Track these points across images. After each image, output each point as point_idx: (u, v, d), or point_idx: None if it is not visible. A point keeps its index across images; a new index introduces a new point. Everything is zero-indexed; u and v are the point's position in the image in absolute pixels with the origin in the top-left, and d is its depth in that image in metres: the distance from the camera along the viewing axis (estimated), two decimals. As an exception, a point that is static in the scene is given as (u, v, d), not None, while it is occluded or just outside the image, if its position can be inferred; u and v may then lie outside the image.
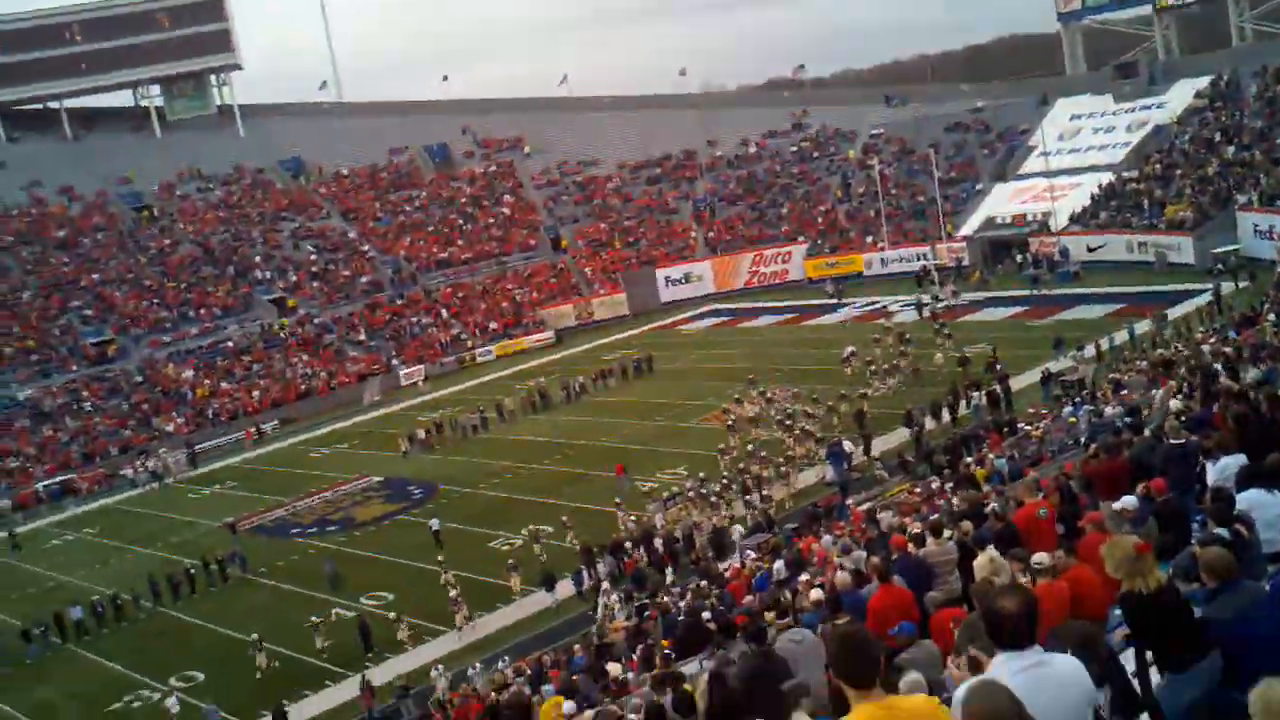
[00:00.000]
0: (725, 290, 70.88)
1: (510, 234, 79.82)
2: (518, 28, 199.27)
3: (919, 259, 62.62)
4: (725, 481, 34.79)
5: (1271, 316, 32.74)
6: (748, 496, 33.88)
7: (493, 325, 69.74)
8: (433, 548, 35.55)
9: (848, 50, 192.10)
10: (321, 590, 34.22)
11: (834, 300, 61.38)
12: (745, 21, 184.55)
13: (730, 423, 40.21)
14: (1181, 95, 66.34)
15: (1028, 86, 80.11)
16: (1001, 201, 65.51)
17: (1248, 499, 8.54)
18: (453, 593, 30.11)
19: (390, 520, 40.61)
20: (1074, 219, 59.48)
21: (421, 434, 50.50)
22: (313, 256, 77.58)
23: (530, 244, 78.92)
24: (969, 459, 30.92)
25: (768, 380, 45.66)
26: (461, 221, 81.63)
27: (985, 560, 9.09)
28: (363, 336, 69.49)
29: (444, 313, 71.54)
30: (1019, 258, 59.50)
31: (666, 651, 15.08)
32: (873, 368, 43.20)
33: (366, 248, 78.47)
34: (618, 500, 35.02)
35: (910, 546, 12.65)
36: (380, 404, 61.42)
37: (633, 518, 34.07)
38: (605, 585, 29.89)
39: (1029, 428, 33.01)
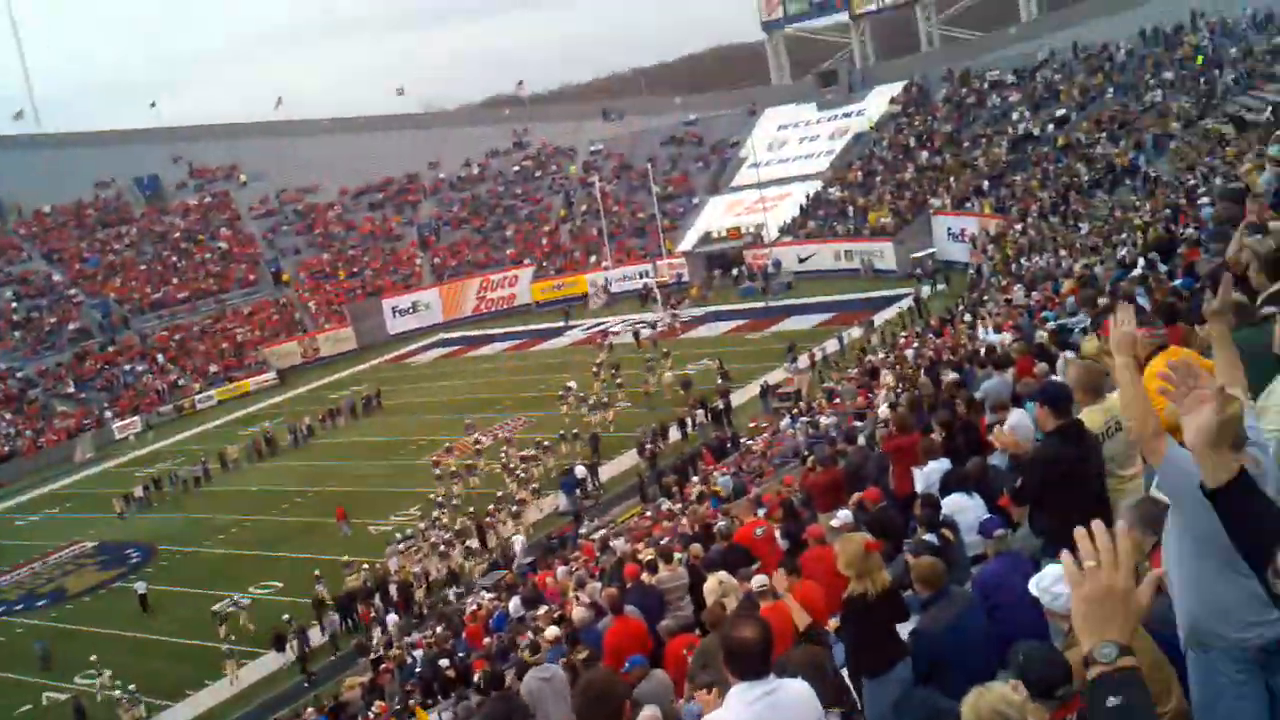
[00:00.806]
0: (454, 318, 70.18)
1: (229, 269, 76.69)
2: (229, 50, 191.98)
3: (640, 277, 63.65)
4: (456, 526, 34.33)
5: (967, 319, 34.81)
6: (482, 536, 33.61)
7: (213, 368, 66.76)
8: (145, 616, 33.79)
9: (567, 64, 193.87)
10: (31, 672, 32.02)
11: (564, 324, 61.68)
12: (462, 37, 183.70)
13: (438, 474, 39.16)
14: (878, 102, 69.83)
15: (737, 97, 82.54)
16: (717, 215, 67.30)
17: (951, 503, 9.01)
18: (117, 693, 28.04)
19: (105, 589, 38.30)
20: (784, 230, 61.64)
21: (139, 491, 47.81)
22: (13, 305, 72.49)
23: (250, 279, 76.04)
24: (695, 478, 31.61)
25: (496, 415, 45.38)
26: (176, 258, 77.66)
27: (714, 584, 9.30)
28: (71, 389, 65.28)
29: (160, 358, 67.93)
30: (735, 271, 61.18)
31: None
32: (590, 401, 42.82)
33: (73, 291, 73.81)
34: (346, 560, 33.84)
35: (643, 574, 12.76)
36: (93, 461, 57.88)
37: (364, 565, 33.17)
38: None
39: (751, 442, 34.10)
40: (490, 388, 51.44)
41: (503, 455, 38.98)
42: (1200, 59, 53.17)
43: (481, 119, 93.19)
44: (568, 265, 69.54)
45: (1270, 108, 43.30)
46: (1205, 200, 29.59)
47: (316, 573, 32.06)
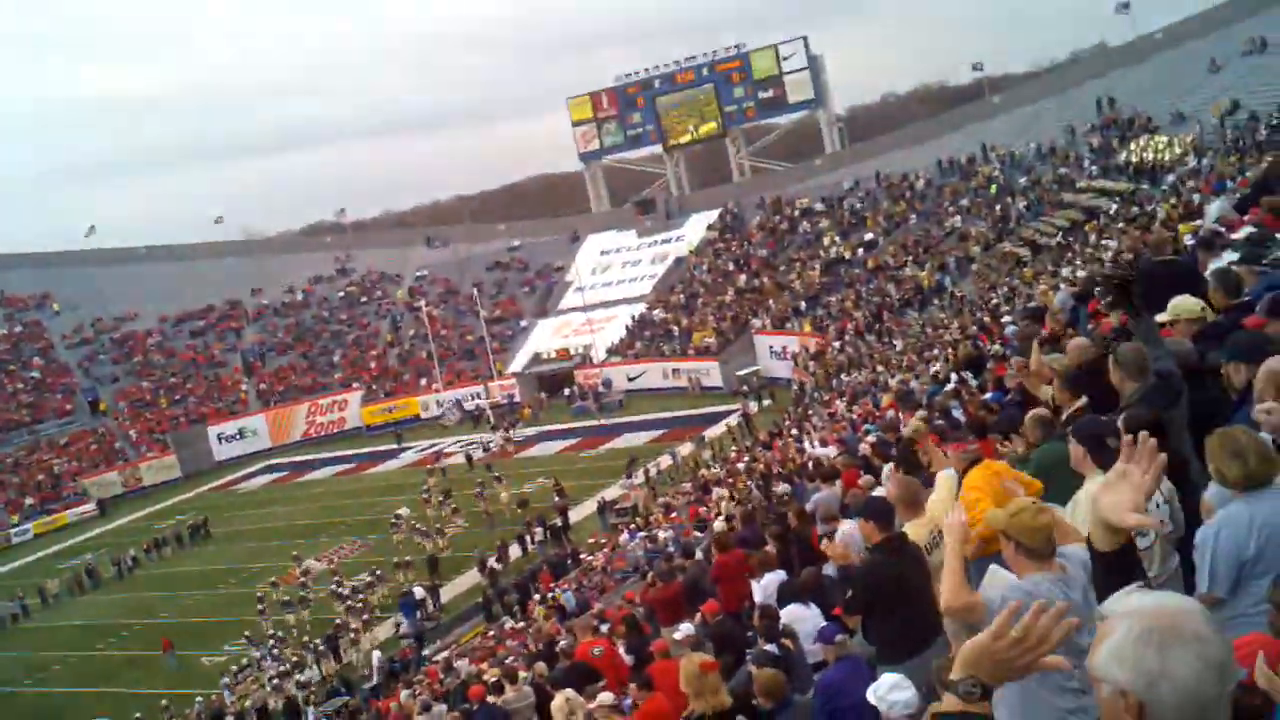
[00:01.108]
0: (283, 443, 69.38)
1: (42, 400, 74.28)
2: (38, 179, 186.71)
3: (473, 399, 64.34)
4: (292, 657, 33.91)
5: (794, 433, 36.50)
6: (319, 663, 33.36)
7: (29, 501, 64.36)
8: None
9: (387, 192, 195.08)
10: None
11: (396, 446, 61.69)
12: (280, 166, 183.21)
13: (261, 609, 38.13)
14: (696, 228, 72.72)
15: (560, 224, 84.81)
16: (545, 337, 68.69)
17: (789, 614, 9.40)
18: None
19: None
20: (612, 350, 63.30)
21: (-49, 632, 45.65)
22: None
23: (66, 409, 73.76)
24: (536, 596, 32.12)
25: (329, 540, 45.16)
26: (-15, 389, 75.12)
27: (561, 702, 9.67)
28: (-124, 529, 61.98)
29: (-30, 492, 65.29)
30: (566, 391, 62.43)
31: None
32: (422, 528, 42.69)
33: (-121, 426, 70.59)
34: (164, 704, 32.73)
35: (489, 695, 13.09)
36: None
37: (198, 697, 32.47)
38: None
39: (591, 558, 34.86)
40: (323, 512, 51.02)
41: (334, 584, 38.34)
42: (994, 188, 57.34)
43: (303, 246, 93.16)
44: (398, 388, 69.75)
45: (1060, 232, 47.23)
46: (1008, 318, 32.21)
47: (138, 715, 31.33)
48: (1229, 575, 4.45)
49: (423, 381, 68.69)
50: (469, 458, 52.95)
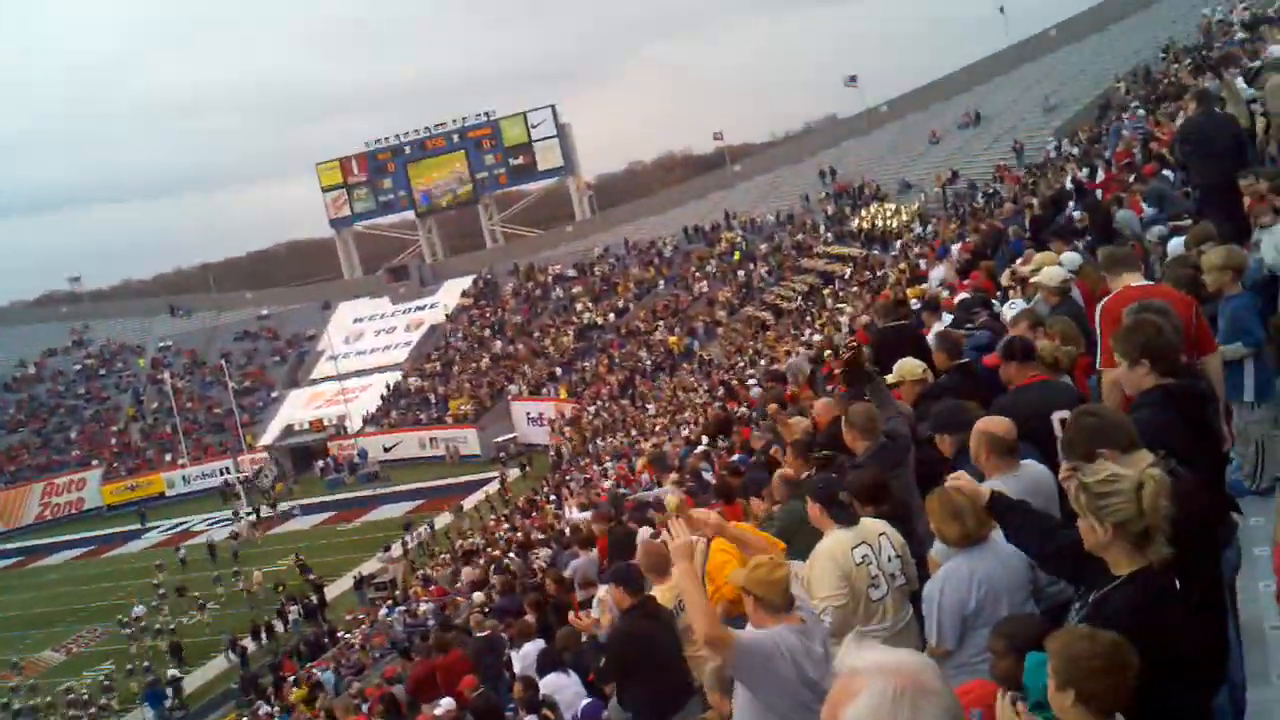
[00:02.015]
0: (15, 528, 64.96)
1: None
2: None
3: (221, 473, 62.23)
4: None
5: (552, 499, 37.00)
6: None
7: None
8: None
9: (126, 260, 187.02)
10: None
11: (140, 526, 58.90)
12: (6, 232, 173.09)
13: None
14: (450, 294, 72.80)
15: (311, 292, 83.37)
16: (298, 408, 67.14)
17: (549, 683, 9.42)
18: None
19: None
20: (368, 420, 62.48)
21: None
22: None
23: None
24: (292, 678, 31.39)
25: (65, 629, 42.88)
26: None
27: None
28: None
29: None
30: (320, 463, 61.23)
31: None
32: (157, 626, 40.72)
33: None
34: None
35: None
36: None
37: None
38: None
39: (348, 635, 34.27)
40: (59, 600, 48.33)
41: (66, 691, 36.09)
42: (737, 254, 59.64)
43: (35, 316, 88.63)
44: (140, 465, 66.66)
45: (799, 297, 49.54)
46: (753, 381, 33.56)
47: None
48: (954, 628, 4.80)
49: (167, 457, 65.96)
50: (211, 547, 49.65)
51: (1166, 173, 15.03)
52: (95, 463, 67.15)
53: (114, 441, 69.17)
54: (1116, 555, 3.67)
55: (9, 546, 62.25)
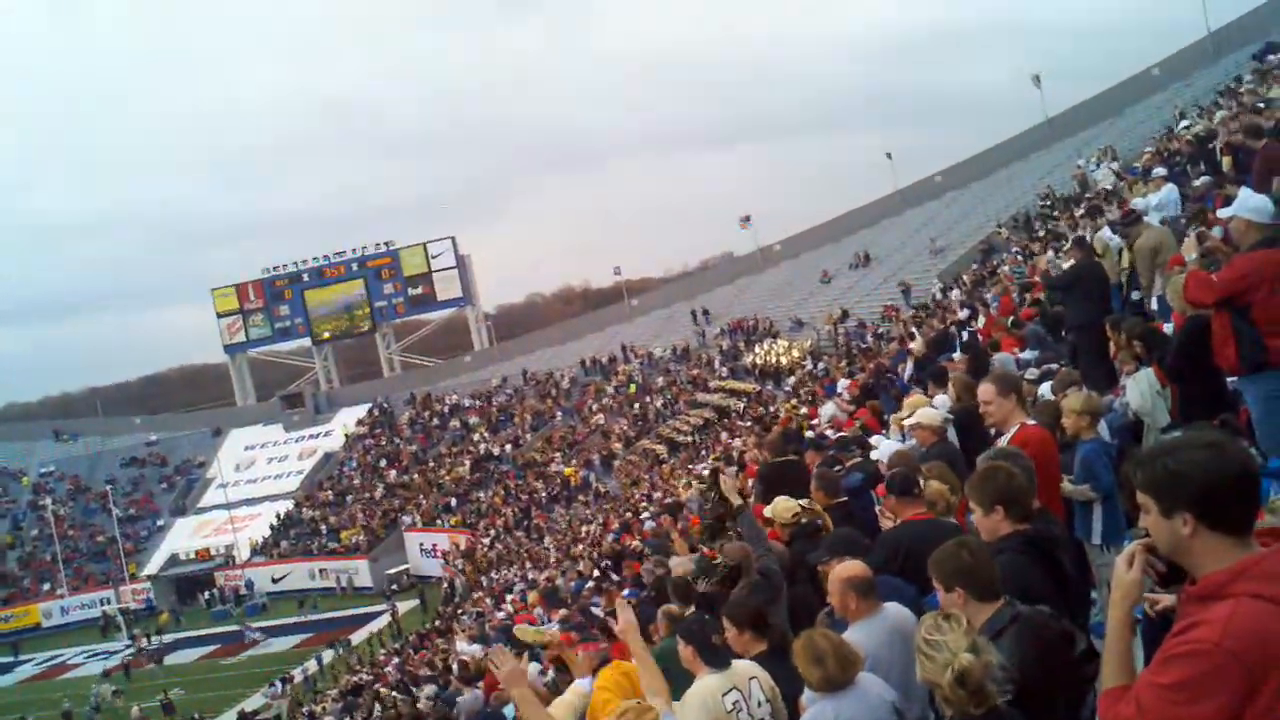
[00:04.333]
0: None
1: None
2: None
3: (101, 604, 60.37)
4: None
5: (444, 632, 36.64)
6: None
7: None
8: None
9: (9, 382, 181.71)
10: None
11: (13, 659, 56.62)
12: None
13: None
14: (345, 423, 72.28)
15: (202, 418, 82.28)
16: (184, 536, 65.57)
17: None
18: None
19: None
20: (257, 550, 61.29)
21: None
22: None
23: None
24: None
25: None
26: None
27: None
28: None
29: None
30: (206, 594, 59.74)
31: None
32: None
33: None
34: None
35: None
36: None
37: None
38: None
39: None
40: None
41: None
42: (633, 386, 60.33)
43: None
44: (16, 595, 64.27)
45: (694, 430, 50.21)
46: (647, 515, 33.82)
47: None
48: None
49: (45, 586, 63.80)
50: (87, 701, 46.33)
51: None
52: (-34, 592, 64.72)
53: (-11, 569, 66.84)
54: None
55: None
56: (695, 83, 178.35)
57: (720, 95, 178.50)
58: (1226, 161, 14.20)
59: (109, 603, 59.96)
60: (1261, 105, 16.88)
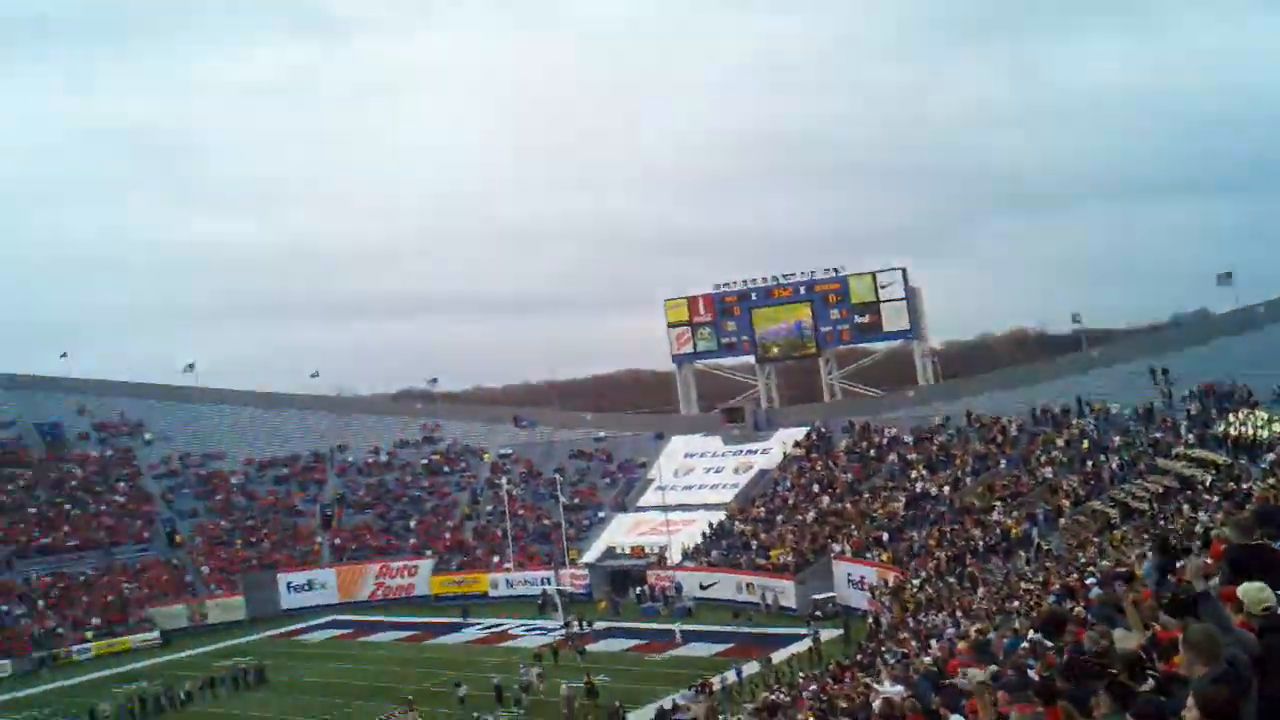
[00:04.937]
0: (349, 600, 69.71)
1: (122, 524, 75.83)
2: (145, 311, 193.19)
3: (542, 583, 64.43)
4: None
5: (866, 667, 36.14)
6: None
7: (95, 621, 65.11)
8: None
9: (479, 368, 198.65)
10: None
11: (461, 620, 61.53)
12: (376, 331, 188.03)
13: None
14: (784, 442, 73.16)
15: (647, 421, 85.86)
16: (622, 531, 68.96)
17: None
18: None
19: None
20: (688, 554, 63.31)
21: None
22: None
23: (144, 536, 75.06)
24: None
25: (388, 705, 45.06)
26: (70, 506, 76.71)
27: None
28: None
29: (40, 603, 66.22)
30: (636, 590, 62.36)
31: None
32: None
33: (-43, 525, 72.36)
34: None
35: None
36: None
37: None
38: None
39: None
40: (380, 676, 51.05)
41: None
42: (1086, 443, 57.26)
43: (393, 410, 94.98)
44: (469, 562, 70.08)
45: (1152, 498, 46.98)
46: (1092, 580, 32.07)
47: None
48: None
49: (494, 559, 69.00)
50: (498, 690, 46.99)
51: None
52: (429, 553, 71.19)
53: (448, 536, 73.14)
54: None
55: (344, 618, 66.56)
56: (1171, 126, 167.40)
57: (1200, 140, 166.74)
58: None
59: (549, 583, 63.82)
60: None
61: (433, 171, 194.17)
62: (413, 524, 75.36)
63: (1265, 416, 49.08)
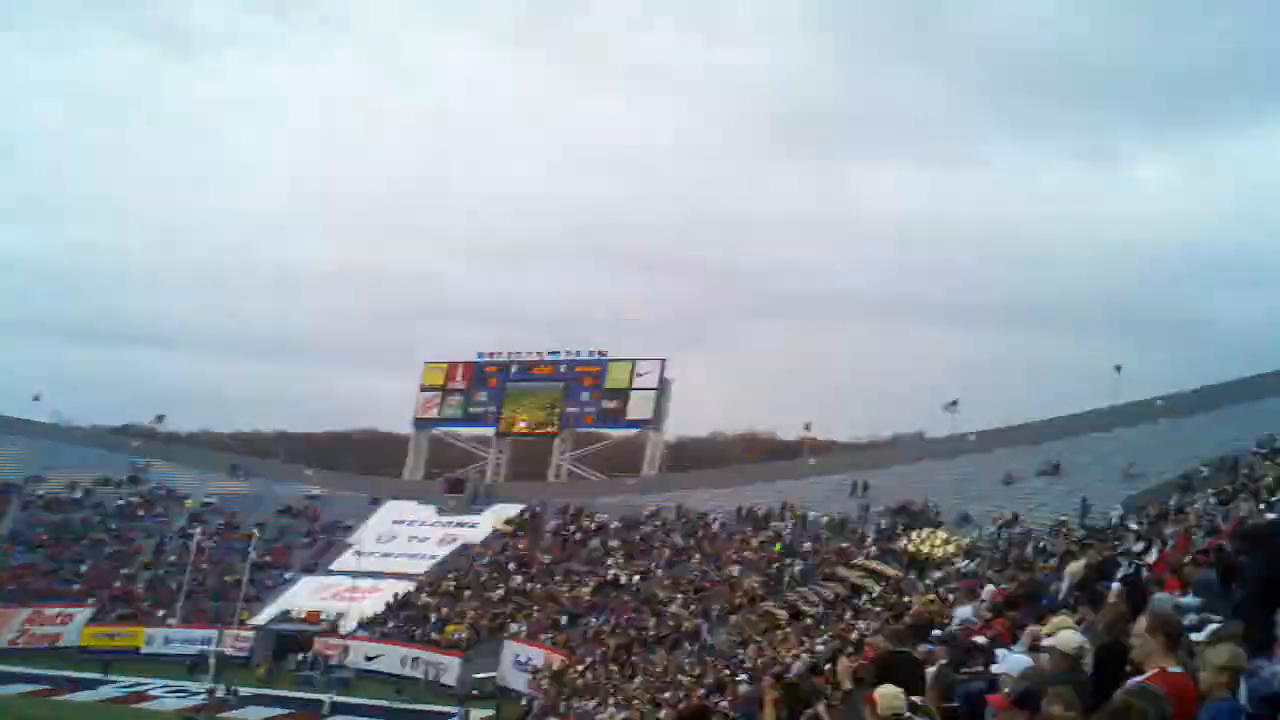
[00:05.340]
0: (-9, 648, 62.92)
1: None
2: None
3: (202, 643, 59.70)
4: None
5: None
6: None
7: None
8: None
9: (211, 410, 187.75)
10: None
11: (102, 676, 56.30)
12: (119, 359, 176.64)
13: None
14: (494, 519, 70.91)
15: (366, 483, 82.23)
16: (305, 594, 65.02)
17: None
18: None
19: None
20: (363, 624, 60.09)
21: None
22: None
23: None
24: None
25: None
26: None
27: None
28: None
29: None
30: (300, 656, 58.61)
31: None
32: None
33: None
34: None
35: None
36: None
37: None
38: None
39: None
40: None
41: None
42: (778, 546, 56.78)
43: (107, 443, 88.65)
44: (130, 614, 64.40)
45: (822, 603, 46.54)
46: (744, 679, 31.22)
47: None
48: None
49: (160, 613, 63.85)
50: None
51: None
52: (90, 601, 65.39)
53: (118, 584, 67.54)
54: None
55: (-24, 667, 60.06)
56: (941, 256, 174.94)
57: (960, 272, 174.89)
58: None
59: (210, 643, 59.19)
60: None
61: (228, 200, 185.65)
62: (83, 568, 69.34)
63: (943, 537, 50.36)
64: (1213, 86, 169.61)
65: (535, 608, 57.70)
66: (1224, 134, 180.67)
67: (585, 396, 78.70)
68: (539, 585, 60.53)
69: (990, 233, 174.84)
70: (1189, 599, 11.72)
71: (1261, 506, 18.72)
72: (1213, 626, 7.54)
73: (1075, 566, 19.16)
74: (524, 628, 55.74)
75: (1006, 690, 7.59)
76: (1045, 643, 9.00)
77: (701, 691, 33.43)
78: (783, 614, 47.74)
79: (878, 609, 39.30)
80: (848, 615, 41.06)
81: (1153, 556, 20.49)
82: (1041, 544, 41.63)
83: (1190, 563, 15.08)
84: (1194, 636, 7.42)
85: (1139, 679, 6.58)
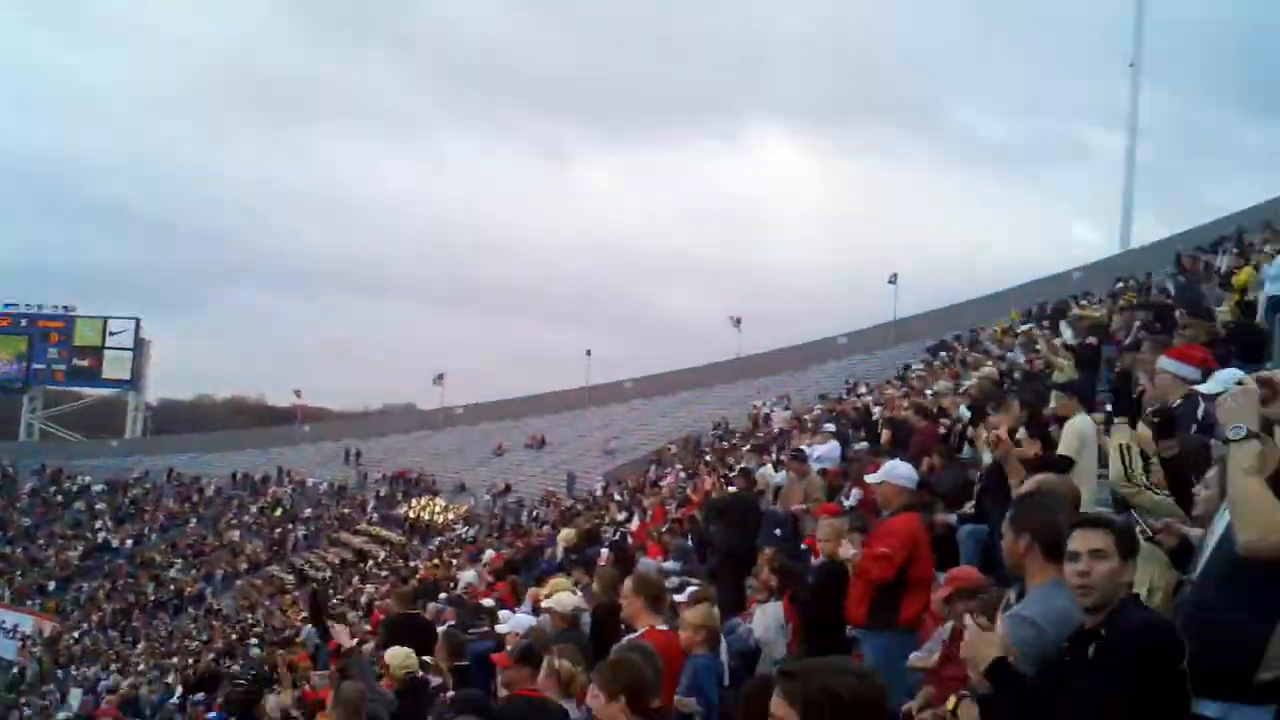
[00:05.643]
0: None
1: None
2: None
3: None
4: None
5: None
6: None
7: None
8: None
9: None
10: None
11: None
12: None
13: None
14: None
15: None
16: None
17: None
18: None
19: None
20: None
21: None
22: None
23: None
24: None
25: None
26: None
27: None
28: None
29: None
30: None
31: None
32: None
33: None
34: None
35: None
36: None
37: None
38: None
39: None
40: None
41: None
42: (278, 511, 58.19)
43: None
44: None
45: (329, 569, 48.70)
46: (255, 642, 32.63)
47: None
48: None
49: None
50: None
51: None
52: None
53: None
54: None
55: None
56: (419, 237, 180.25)
57: (457, 257, 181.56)
58: (885, 434, 15.45)
59: None
60: (930, 392, 18.66)
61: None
62: None
63: (442, 504, 53.46)
64: (652, 106, 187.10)
65: (18, 572, 55.36)
66: (664, 148, 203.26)
67: (53, 353, 74.90)
68: (19, 549, 57.95)
69: (463, 220, 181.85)
70: (670, 564, 13.95)
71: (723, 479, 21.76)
72: (692, 588, 8.24)
73: (567, 533, 21.45)
74: (7, 592, 53.43)
75: (509, 649, 7.74)
76: (545, 604, 9.57)
77: (211, 656, 34.25)
78: (289, 578, 49.53)
79: (384, 573, 42.16)
80: (354, 580, 43.72)
81: (635, 525, 23.83)
82: (535, 512, 45.57)
83: (668, 531, 17.78)
84: (676, 598, 8.02)
85: (631, 636, 7.04)
